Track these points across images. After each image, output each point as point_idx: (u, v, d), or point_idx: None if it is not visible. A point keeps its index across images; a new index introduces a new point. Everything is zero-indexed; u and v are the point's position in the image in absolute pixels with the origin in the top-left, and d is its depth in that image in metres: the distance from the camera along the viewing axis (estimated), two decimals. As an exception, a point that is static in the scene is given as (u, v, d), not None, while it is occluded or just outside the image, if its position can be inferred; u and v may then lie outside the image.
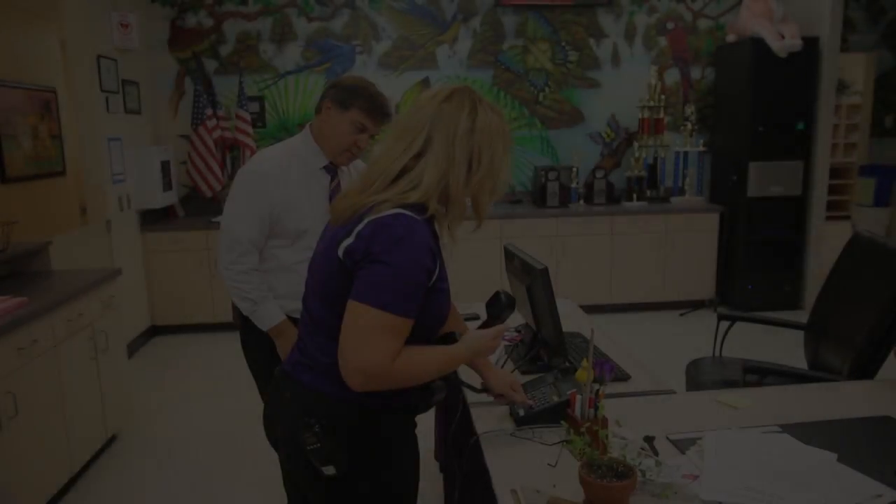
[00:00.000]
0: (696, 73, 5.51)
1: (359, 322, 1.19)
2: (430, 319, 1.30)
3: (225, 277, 1.95)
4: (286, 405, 1.34)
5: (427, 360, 1.28)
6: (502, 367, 1.84)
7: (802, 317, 2.61)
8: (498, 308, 1.45)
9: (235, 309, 2.04)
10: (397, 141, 1.30)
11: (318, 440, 1.26)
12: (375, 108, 1.91)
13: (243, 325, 2.05)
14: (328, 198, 1.97)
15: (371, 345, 1.18)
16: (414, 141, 1.28)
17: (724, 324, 2.71)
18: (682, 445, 1.43)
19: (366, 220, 1.22)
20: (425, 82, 5.29)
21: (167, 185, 4.85)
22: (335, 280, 1.25)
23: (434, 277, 1.26)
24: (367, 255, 1.20)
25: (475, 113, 1.29)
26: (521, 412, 1.55)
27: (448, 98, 1.30)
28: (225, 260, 1.94)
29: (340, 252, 1.24)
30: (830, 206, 5.76)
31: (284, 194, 1.92)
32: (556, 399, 1.53)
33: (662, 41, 5.44)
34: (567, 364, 1.80)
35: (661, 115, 5.29)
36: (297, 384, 1.33)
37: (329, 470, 1.27)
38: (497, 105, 1.35)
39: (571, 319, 2.39)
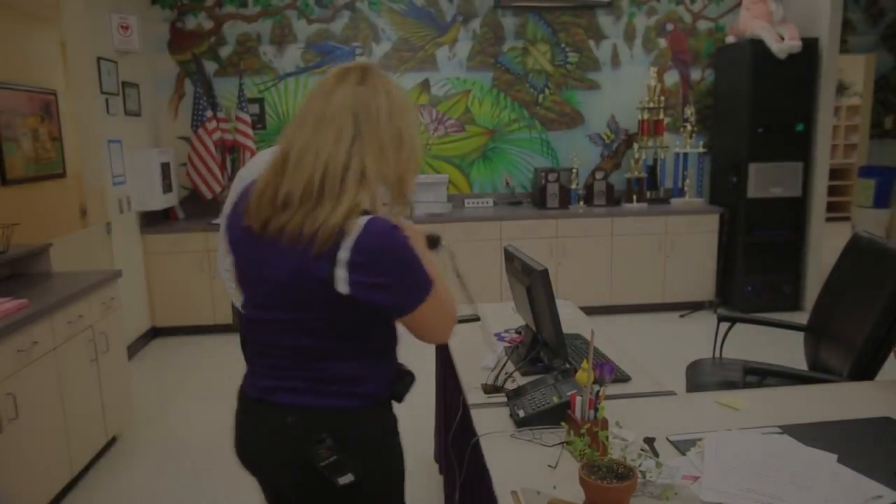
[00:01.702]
0: (695, 74, 5.51)
1: (430, 313, 1.24)
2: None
3: (225, 279, 1.95)
4: (286, 431, 1.27)
5: (438, 276, 1.29)
6: (503, 367, 1.84)
7: (802, 318, 2.61)
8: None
9: (235, 310, 2.04)
10: (320, 133, 1.21)
11: (333, 452, 1.24)
12: None
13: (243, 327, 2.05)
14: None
15: (448, 309, 1.28)
16: (342, 132, 1.20)
17: (724, 325, 2.71)
18: (682, 447, 1.44)
19: (348, 246, 1.15)
20: (425, 84, 5.30)
21: (167, 187, 4.86)
22: (333, 311, 1.21)
23: None
24: (382, 277, 1.18)
25: (390, 92, 1.26)
26: (522, 413, 1.55)
27: (361, 81, 1.24)
28: (225, 262, 1.94)
29: (345, 286, 1.17)
30: (830, 207, 5.77)
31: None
32: (556, 400, 1.53)
33: (662, 42, 5.45)
34: (567, 365, 1.80)
35: (661, 116, 5.30)
36: (290, 409, 1.27)
37: (347, 478, 1.26)
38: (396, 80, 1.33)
39: (571, 321, 2.39)
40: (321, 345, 1.24)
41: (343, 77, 1.25)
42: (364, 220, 1.17)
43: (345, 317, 1.22)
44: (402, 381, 1.38)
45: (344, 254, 1.15)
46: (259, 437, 1.34)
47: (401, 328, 1.32)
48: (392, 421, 1.38)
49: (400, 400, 1.40)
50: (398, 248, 1.19)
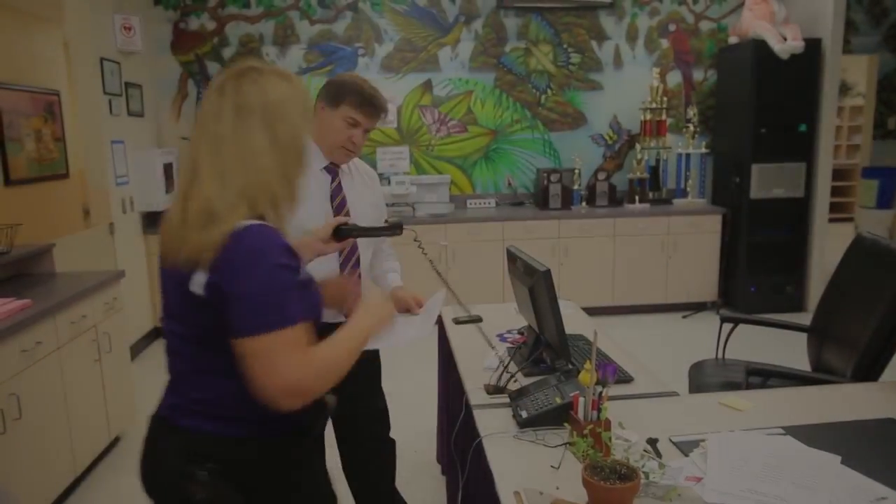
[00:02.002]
0: (698, 74, 5.51)
1: (259, 353, 1.10)
2: (308, 317, 1.23)
3: None
4: (163, 457, 1.22)
5: (338, 348, 1.22)
6: (505, 368, 1.84)
7: (805, 319, 2.61)
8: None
9: None
10: (216, 154, 1.18)
11: (206, 489, 1.15)
12: (365, 101, 1.89)
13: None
14: (329, 198, 1.98)
15: (282, 366, 1.10)
16: (234, 149, 1.18)
17: (727, 326, 2.71)
18: (685, 448, 1.43)
19: (215, 248, 1.12)
20: (427, 84, 5.31)
21: (170, 188, 4.86)
22: (200, 318, 1.16)
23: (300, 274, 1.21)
24: (230, 285, 1.11)
25: (266, 93, 1.20)
26: (525, 414, 1.55)
27: (237, 91, 1.20)
28: None
29: (200, 289, 1.13)
30: (833, 208, 5.75)
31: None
32: (559, 401, 1.53)
33: (664, 43, 5.44)
34: (570, 366, 1.80)
35: (663, 116, 5.29)
36: (177, 431, 1.21)
37: None
38: (286, 70, 1.27)
39: (574, 321, 2.39)
40: (203, 357, 1.20)
41: (222, 91, 1.21)
42: (242, 224, 1.12)
43: (216, 327, 1.14)
44: (308, 411, 1.22)
45: (209, 254, 1.12)
46: (150, 460, 1.27)
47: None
48: (301, 455, 1.28)
49: (310, 433, 1.30)
50: (262, 260, 1.12)
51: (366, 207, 2.06)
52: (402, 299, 2.11)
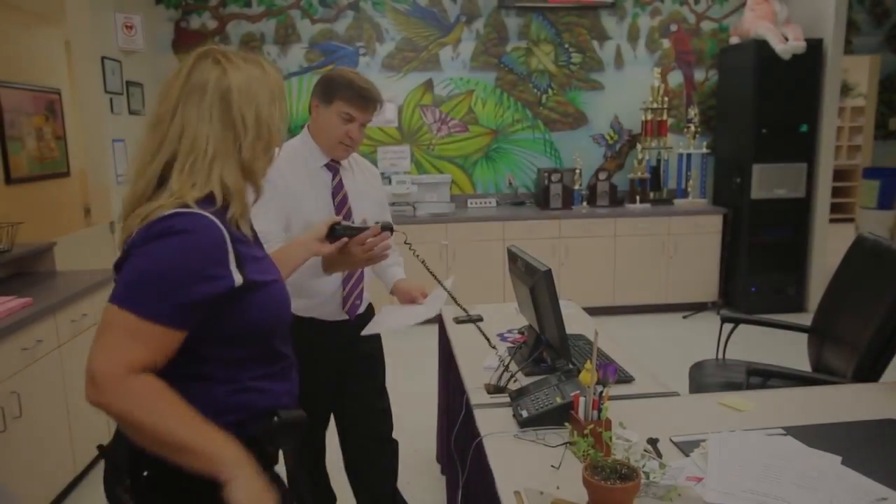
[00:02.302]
0: (699, 75, 5.50)
1: (104, 323, 1.02)
2: (259, 322, 1.14)
3: None
4: (110, 464, 1.16)
5: (171, 411, 1.02)
6: (506, 368, 1.84)
7: (806, 319, 2.61)
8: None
9: None
10: (151, 134, 1.12)
11: (132, 497, 1.09)
12: (356, 95, 1.88)
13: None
14: (331, 196, 1.98)
15: (102, 347, 1.00)
16: (169, 128, 1.11)
17: (728, 326, 2.71)
18: (685, 448, 1.43)
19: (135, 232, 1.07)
20: (428, 84, 5.30)
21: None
22: None
23: (233, 282, 1.08)
24: (130, 256, 1.06)
25: (226, 70, 1.13)
26: (525, 413, 1.55)
27: (192, 68, 1.13)
28: None
29: (114, 274, 1.09)
30: (834, 208, 5.75)
31: (288, 193, 1.93)
32: (559, 401, 1.53)
33: (666, 43, 5.44)
34: (570, 366, 1.80)
35: (664, 117, 5.29)
36: (125, 437, 1.12)
37: None
38: (257, 55, 1.20)
39: (575, 321, 2.39)
40: None
41: (178, 72, 1.15)
42: (169, 211, 1.06)
43: None
44: (260, 421, 1.12)
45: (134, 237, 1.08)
46: (105, 467, 1.20)
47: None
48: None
49: (262, 447, 1.14)
50: (166, 242, 1.04)
51: (367, 205, 2.06)
52: (407, 291, 2.11)
